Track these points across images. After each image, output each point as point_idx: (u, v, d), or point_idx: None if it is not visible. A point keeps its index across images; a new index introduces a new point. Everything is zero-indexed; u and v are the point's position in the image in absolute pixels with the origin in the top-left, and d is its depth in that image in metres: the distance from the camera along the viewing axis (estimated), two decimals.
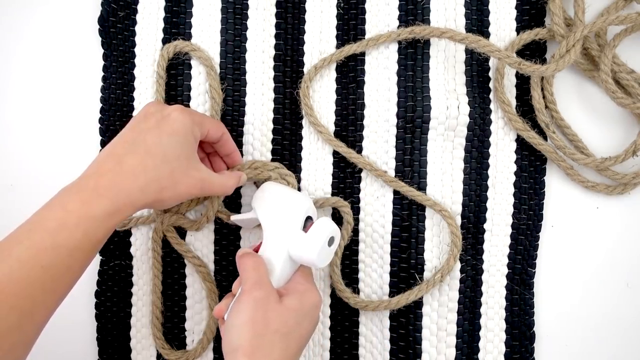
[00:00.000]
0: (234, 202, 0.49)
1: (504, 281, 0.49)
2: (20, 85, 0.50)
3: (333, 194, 0.49)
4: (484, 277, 0.49)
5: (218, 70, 0.48)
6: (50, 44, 0.50)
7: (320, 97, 0.49)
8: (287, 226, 0.41)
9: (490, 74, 0.49)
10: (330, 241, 0.40)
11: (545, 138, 0.49)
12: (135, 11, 0.49)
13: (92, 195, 0.35)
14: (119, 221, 0.36)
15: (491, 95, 0.49)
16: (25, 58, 0.50)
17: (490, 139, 0.49)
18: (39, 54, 0.50)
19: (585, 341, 0.49)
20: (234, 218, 0.46)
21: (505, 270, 0.49)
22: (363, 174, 0.49)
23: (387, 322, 0.48)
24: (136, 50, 0.49)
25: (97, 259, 0.49)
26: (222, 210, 0.47)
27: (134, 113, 0.49)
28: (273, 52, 0.49)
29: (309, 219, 0.42)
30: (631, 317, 0.50)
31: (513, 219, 0.49)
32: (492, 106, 0.49)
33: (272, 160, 0.48)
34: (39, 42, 0.50)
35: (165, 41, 0.49)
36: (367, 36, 0.49)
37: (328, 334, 0.50)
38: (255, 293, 0.37)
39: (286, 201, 0.42)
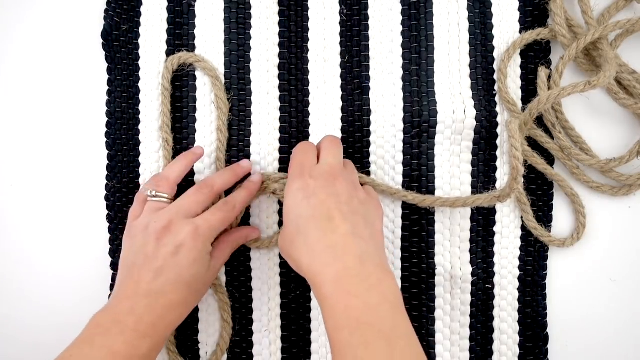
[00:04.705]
0: (244, 222, 0.49)
1: (516, 283, 0.49)
2: (24, 93, 0.50)
3: None
4: (495, 279, 0.49)
5: (223, 81, 0.48)
6: (54, 57, 0.50)
7: (326, 104, 0.49)
8: None
9: (495, 76, 0.49)
10: None
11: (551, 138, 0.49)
12: (138, 24, 0.49)
13: (134, 336, 0.36)
14: (161, 348, 0.39)
15: (497, 98, 0.49)
16: (29, 68, 0.50)
17: (497, 141, 0.49)
18: (42, 65, 0.50)
19: (599, 342, 0.49)
20: None
21: (517, 272, 0.49)
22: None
23: None
24: (140, 63, 0.49)
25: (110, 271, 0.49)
26: None
27: (140, 126, 0.48)
28: (277, 60, 0.49)
29: None
30: None
31: (523, 219, 0.49)
32: (498, 108, 0.49)
33: (280, 169, 0.48)
34: (43, 54, 0.50)
35: (169, 53, 0.49)
36: (370, 43, 0.49)
37: None
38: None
39: None
